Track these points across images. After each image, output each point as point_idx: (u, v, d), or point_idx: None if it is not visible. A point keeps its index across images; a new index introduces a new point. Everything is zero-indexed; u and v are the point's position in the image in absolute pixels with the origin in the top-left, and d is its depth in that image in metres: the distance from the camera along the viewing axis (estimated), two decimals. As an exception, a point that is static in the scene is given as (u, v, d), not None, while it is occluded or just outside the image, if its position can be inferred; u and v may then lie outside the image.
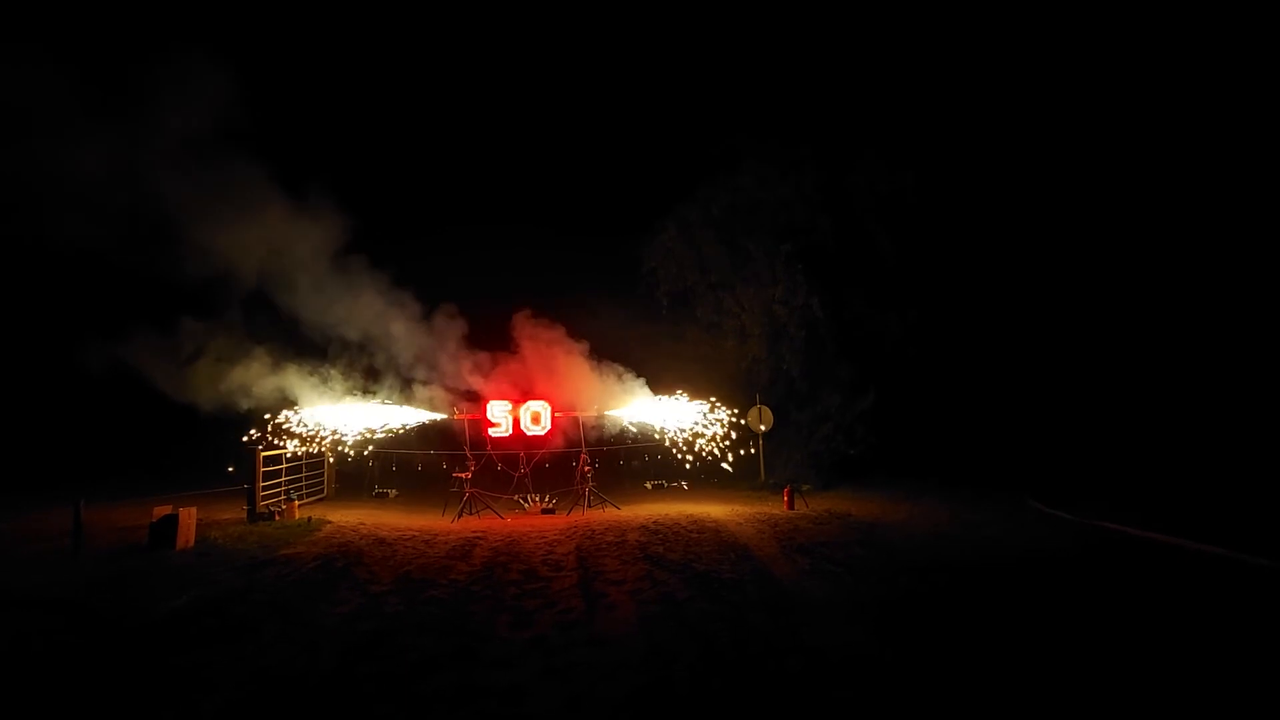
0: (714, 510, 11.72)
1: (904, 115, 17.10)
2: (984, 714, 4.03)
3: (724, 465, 13.33)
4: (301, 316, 12.16)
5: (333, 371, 12.50)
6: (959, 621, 5.60)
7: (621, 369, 13.36)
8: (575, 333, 13.70)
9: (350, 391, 12.49)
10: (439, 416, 13.00)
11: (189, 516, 9.09)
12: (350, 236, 12.26)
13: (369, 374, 12.88)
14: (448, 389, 12.97)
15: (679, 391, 13.11)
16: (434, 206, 22.62)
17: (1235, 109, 15.96)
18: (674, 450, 13.25)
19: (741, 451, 13.63)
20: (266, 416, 12.04)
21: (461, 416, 12.84)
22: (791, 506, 11.78)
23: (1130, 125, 16.88)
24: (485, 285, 17.79)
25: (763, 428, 14.80)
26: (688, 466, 13.39)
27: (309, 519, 11.13)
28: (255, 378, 11.75)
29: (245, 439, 11.93)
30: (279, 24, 19.56)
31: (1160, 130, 16.52)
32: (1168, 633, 5.28)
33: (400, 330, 12.69)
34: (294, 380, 12.10)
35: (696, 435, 13.11)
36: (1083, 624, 5.49)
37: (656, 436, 13.38)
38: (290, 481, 12.90)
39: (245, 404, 11.90)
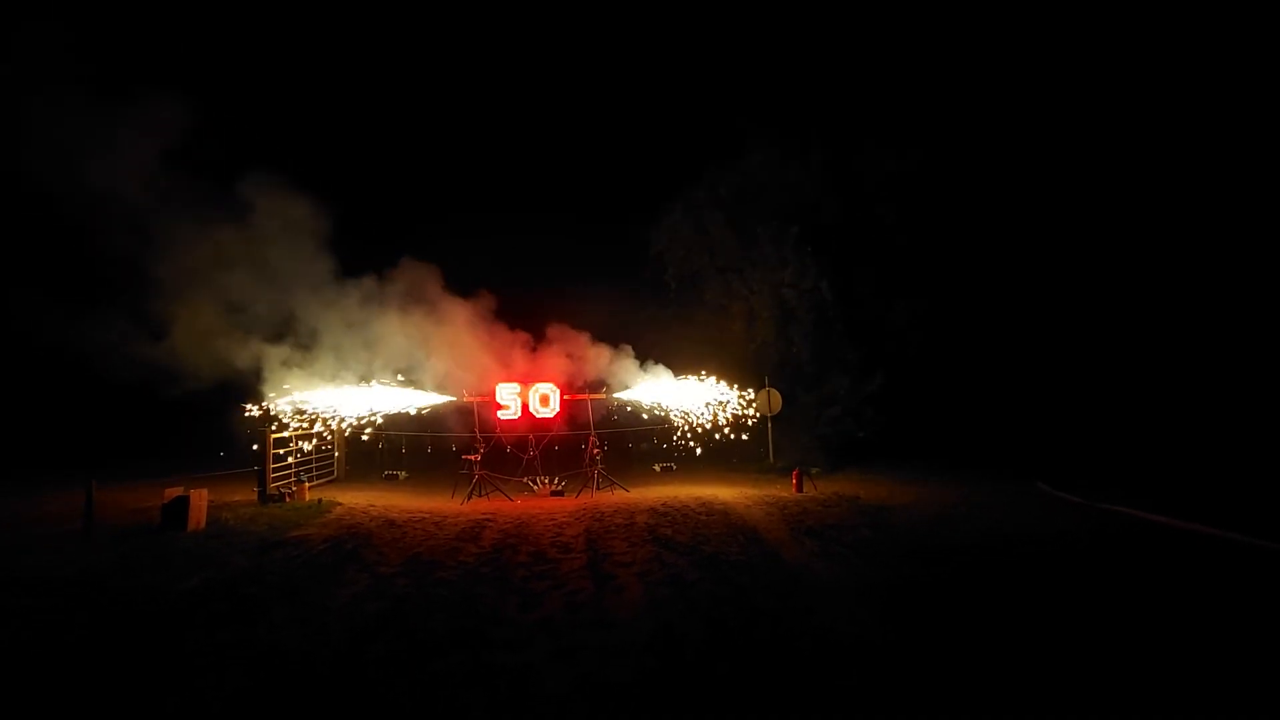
0: (722, 493, 11.71)
1: (911, 94, 16.92)
2: (990, 700, 4.00)
3: (708, 446, 13.36)
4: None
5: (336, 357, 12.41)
6: (968, 606, 5.57)
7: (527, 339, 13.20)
8: (580, 317, 13.69)
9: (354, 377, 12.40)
10: (448, 399, 13.00)
11: (200, 498, 9.15)
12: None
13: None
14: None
15: (682, 372, 13.08)
16: (440, 194, 22.73)
17: (1237, 94, 15.65)
18: (684, 430, 13.24)
19: (753, 434, 13.59)
20: (273, 398, 12.04)
21: (470, 399, 12.84)
22: (800, 489, 11.76)
23: (1138, 107, 16.61)
24: (489, 271, 17.84)
25: (771, 411, 14.75)
26: (691, 443, 13.39)
27: (319, 501, 11.21)
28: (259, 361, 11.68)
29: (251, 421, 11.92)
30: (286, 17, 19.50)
31: (1171, 110, 16.24)
32: (1174, 617, 5.24)
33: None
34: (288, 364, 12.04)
35: (703, 425, 13.12)
36: (1092, 609, 5.46)
37: (650, 415, 13.39)
38: (300, 463, 12.96)
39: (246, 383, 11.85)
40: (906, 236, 16.37)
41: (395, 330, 12.46)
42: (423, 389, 12.73)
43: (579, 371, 13.12)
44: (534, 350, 13.25)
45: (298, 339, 12.15)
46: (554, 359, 13.12)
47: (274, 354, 11.91)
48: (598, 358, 13.16)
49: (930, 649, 4.65)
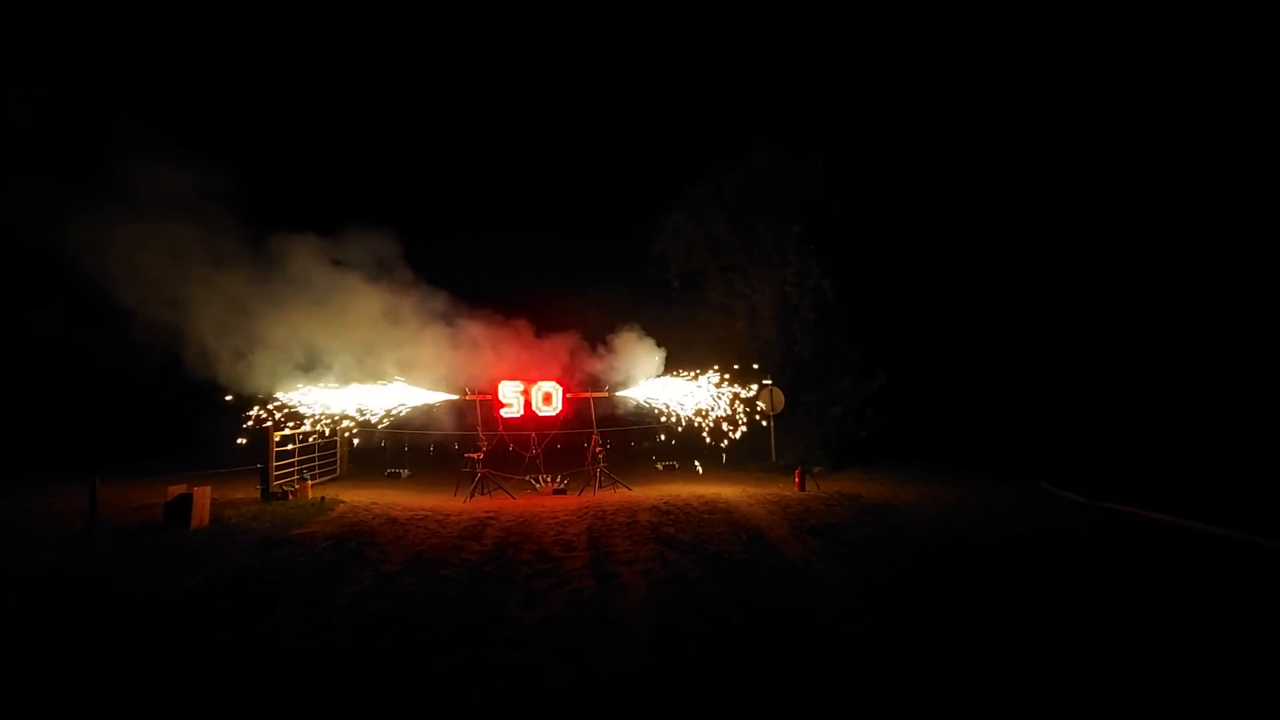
0: (725, 491, 11.71)
1: (913, 93, 16.91)
2: (991, 700, 3.99)
3: (722, 449, 13.32)
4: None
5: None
6: (970, 605, 5.57)
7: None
8: (582, 316, 13.65)
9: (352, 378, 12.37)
10: (450, 397, 12.98)
11: (204, 496, 9.17)
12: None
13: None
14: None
15: (684, 371, 13.08)
16: (445, 198, 22.81)
17: (1237, 94, 15.60)
18: (705, 426, 13.25)
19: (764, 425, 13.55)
20: (276, 399, 12.03)
21: (473, 397, 12.83)
22: (803, 488, 11.75)
23: (1141, 106, 16.56)
24: (493, 273, 17.92)
25: (774, 409, 14.74)
26: (719, 444, 13.38)
27: (322, 499, 11.22)
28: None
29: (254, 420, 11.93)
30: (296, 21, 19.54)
31: (1172, 109, 16.19)
32: (1175, 615, 5.23)
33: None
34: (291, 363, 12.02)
35: (705, 418, 13.10)
36: (1094, 607, 5.45)
37: (660, 413, 13.39)
38: (303, 461, 12.97)
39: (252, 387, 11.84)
40: (908, 236, 16.34)
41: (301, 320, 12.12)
42: (421, 388, 12.72)
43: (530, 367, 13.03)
44: (454, 347, 12.96)
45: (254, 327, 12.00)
46: (480, 355, 12.95)
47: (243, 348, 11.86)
48: (554, 354, 13.10)
49: (932, 648, 4.64)
